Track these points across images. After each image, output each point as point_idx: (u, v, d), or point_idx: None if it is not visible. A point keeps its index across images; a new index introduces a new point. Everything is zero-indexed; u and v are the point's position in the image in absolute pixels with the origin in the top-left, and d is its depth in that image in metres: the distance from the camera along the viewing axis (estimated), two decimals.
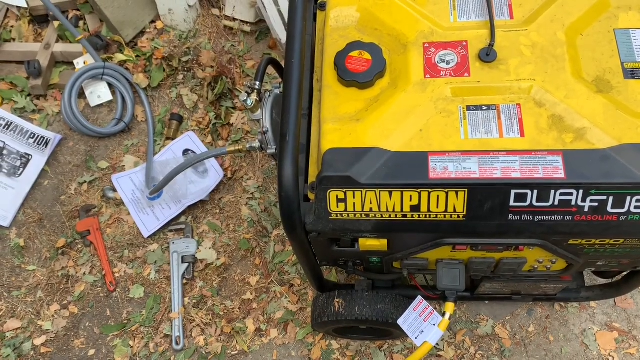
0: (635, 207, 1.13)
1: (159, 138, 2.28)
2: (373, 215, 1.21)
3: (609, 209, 1.14)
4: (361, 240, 1.31)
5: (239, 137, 2.25)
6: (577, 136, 1.16)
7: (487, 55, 1.25)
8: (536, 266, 1.44)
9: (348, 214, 1.22)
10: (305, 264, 1.52)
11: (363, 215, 1.22)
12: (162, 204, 2.13)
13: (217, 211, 2.15)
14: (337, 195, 1.19)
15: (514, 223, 1.19)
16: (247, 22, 2.44)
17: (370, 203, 1.19)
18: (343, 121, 1.24)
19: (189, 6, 2.36)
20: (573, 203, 1.14)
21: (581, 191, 1.13)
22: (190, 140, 2.25)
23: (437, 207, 1.18)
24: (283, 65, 1.69)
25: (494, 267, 1.42)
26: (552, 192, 1.14)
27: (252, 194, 2.16)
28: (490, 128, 1.19)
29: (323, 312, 1.66)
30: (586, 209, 1.15)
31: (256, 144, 1.56)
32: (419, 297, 1.44)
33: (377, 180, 1.16)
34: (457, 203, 1.17)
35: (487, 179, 1.14)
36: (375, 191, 1.17)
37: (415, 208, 1.19)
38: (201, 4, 2.45)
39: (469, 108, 1.21)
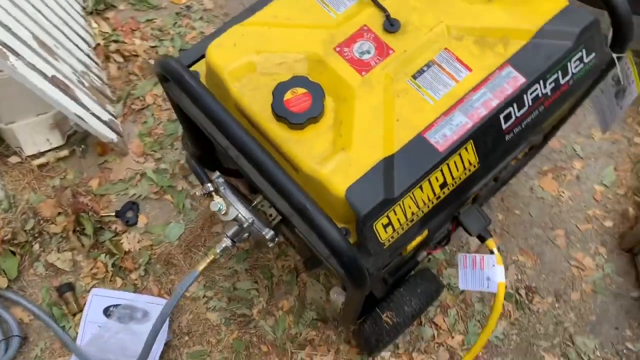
0: (575, 67, 1.31)
1: (65, 322, 1.87)
2: (416, 217, 1.19)
3: (561, 81, 1.30)
4: (409, 246, 1.29)
5: (146, 259, 1.96)
6: (505, 44, 1.27)
7: (392, 25, 1.28)
8: (513, 164, 1.59)
9: (397, 232, 1.18)
10: (356, 306, 1.45)
11: (409, 223, 1.19)
12: None
13: (187, 339, 1.88)
14: (382, 223, 1.14)
15: (510, 140, 1.28)
16: (58, 148, 2.08)
17: (410, 208, 1.17)
18: (331, 159, 1.16)
19: None
20: (540, 95, 1.27)
21: (541, 81, 1.26)
22: (100, 297, 1.89)
23: (457, 170, 1.21)
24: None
25: (493, 188, 1.52)
26: (524, 96, 1.25)
27: (204, 296, 1.93)
28: (444, 81, 1.23)
29: (379, 335, 1.61)
30: (549, 93, 1.29)
31: (227, 243, 1.38)
32: (460, 255, 1.48)
33: (406, 185, 1.14)
34: (469, 156, 1.21)
35: (480, 120, 1.20)
36: (409, 195, 1.15)
37: (443, 184, 1.20)
38: None
39: (414, 77, 1.24)
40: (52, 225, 1.96)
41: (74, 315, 1.90)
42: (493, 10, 1.30)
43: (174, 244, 2.00)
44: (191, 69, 1.38)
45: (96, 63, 2.25)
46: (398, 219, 1.16)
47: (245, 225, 1.27)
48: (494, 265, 1.43)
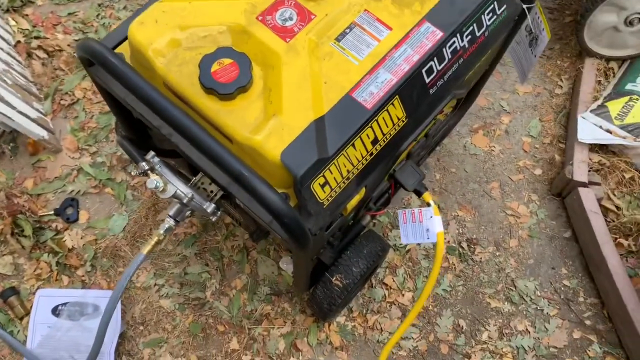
0: (489, 20, 1.37)
1: (12, 326, 1.82)
2: (352, 175, 1.23)
3: (477, 34, 1.36)
4: (348, 205, 1.33)
5: (92, 254, 1.93)
6: (421, 2, 1.32)
7: None
8: (442, 120, 1.65)
9: (334, 191, 1.21)
10: (304, 270, 1.48)
11: (345, 181, 1.23)
12: None
13: (142, 328, 1.87)
14: (319, 183, 1.17)
15: (435, 93, 1.33)
16: None
17: (345, 166, 1.20)
18: (263, 126, 1.18)
19: None
20: (459, 47, 1.33)
21: (458, 35, 1.31)
22: (47, 297, 1.84)
23: (387, 126, 1.25)
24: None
25: (424, 143, 1.58)
26: (444, 50, 1.30)
27: (155, 285, 1.92)
28: (367, 41, 1.27)
29: (332, 299, 1.65)
30: (466, 45, 1.34)
31: (170, 223, 1.38)
32: (400, 211, 1.54)
33: (338, 144, 1.17)
34: (397, 111, 1.26)
35: (403, 76, 1.24)
36: (343, 154, 1.18)
37: (374, 141, 1.24)
38: None
39: (338, 39, 1.27)
40: None
41: (21, 318, 1.85)
42: None
43: (118, 236, 1.97)
44: (115, 51, 1.37)
45: (18, 61, 2.17)
46: (334, 178, 1.20)
47: (185, 201, 1.27)
48: (431, 217, 1.50)
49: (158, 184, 1.22)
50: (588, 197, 1.93)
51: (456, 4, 1.31)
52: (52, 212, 1.97)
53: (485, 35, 1.38)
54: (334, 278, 1.64)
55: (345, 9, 1.30)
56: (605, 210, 1.98)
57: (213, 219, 1.33)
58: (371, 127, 1.22)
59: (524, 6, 1.44)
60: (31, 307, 1.84)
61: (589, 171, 1.99)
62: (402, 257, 2.00)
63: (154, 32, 1.27)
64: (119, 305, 1.84)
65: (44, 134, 1.96)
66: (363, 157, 1.23)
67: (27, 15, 2.34)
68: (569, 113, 2.23)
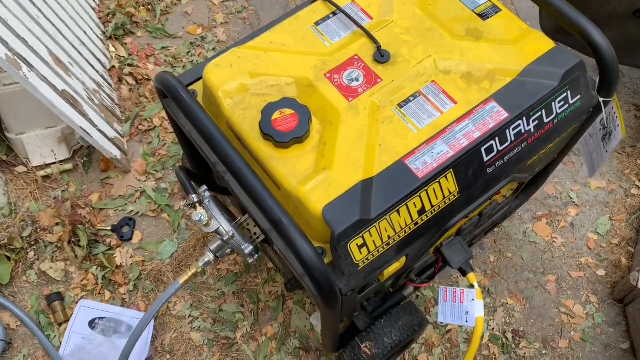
0: (560, 108, 1.34)
1: (50, 330, 1.89)
2: (392, 241, 1.21)
3: (545, 120, 1.32)
4: (385, 271, 1.30)
5: (137, 274, 1.99)
6: (491, 80, 1.31)
7: (382, 56, 1.33)
8: (500, 201, 1.60)
9: (372, 254, 1.19)
10: (333, 331, 1.44)
11: (385, 247, 1.20)
12: None
13: (168, 357, 1.88)
14: (357, 244, 1.16)
15: (492, 174, 1.30)
16: (63, 161, 2.15)
17: (386, 231, 1.19)
18: (311, 178, 1.20)
19: None
20: (523, 131, 1.30)
21: (524, 119, 1.29)
22: (88, 309, 1.91)
23: (437, 198, 1.23)
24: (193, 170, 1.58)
25: (478, 221, 1.53)
26: (507, 131, 1.27)
27: (190, 316, 1.94)
28: (429, 111, 1.27)
29: None
30: (532, 130, 1.31)
31: (209, 257, 1.41)
32: (441, 288, 1.48)
33: (383, 208, 1.16)
34: (449, 185, 1.24)
35: (461, 150, 1.23)
36: (386, 218, 1.17)
37: (421, 211, 1.22)
38: (0, 169, 2.08)
39: (400, 105, 1.28)
40: (48, 234, 2.00)
41: (60, 324, 1.92)
42: (481, 48, 1.35)
43: (165, 261, 2.03)
44: (190, 87, 1.45)
45: (109, 84, 2.35)
46: (373, 241, 1.18)
47: (225, 238, 1.29)
48: (473, 300, 1.43)
49: (202, 218, 1.25)
50: None
51: (526, 87, 1.29)
52: (110, 228, 2.06)
53: (554, 122, 1.34)
54: (364, 345, 1.58)
55: (412, 77, 1.31)
56: None
57: (250, 261, 1.34)
58: (419, 196, 1.20)
59: (601, 99, 1.40)
60: (71, 315, 1.91)
61: None
62: (441, 336, 1.91)
63: (227, 75, 1.34)
64: (150, 329, 1.87)
65: (117, 153, 2.09)
66: (407, 225, 1.21)
67: (126, 43, 2.54)
68: None
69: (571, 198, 2.18)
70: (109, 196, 2.14)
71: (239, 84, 1.33)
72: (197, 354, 1.89)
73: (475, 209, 1.36)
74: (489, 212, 1.52)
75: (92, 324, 1.90)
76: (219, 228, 1.29)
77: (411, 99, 1.29)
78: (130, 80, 2.40)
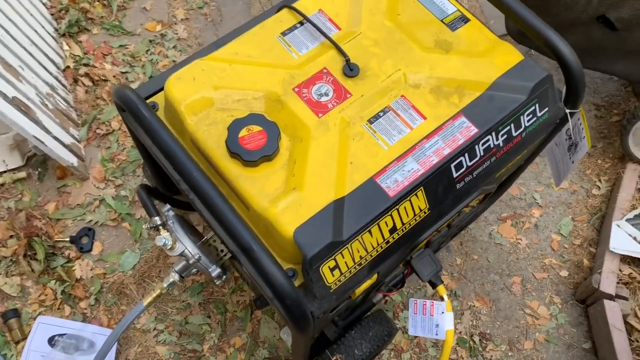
0: (528, 121, 1.33)
1: (7, 350, 1.80)
2: (364, 261, 1.19)
3: (514, 133, 1.32)
4: (357, 290, 1.28)
5: (98, 287, 1.91)
6: (460, 94, 1.30)
7: (351, 70, 1.30)
8: (467, 211, 1.61)
9: (344, 276, 1.17)
10: (303, 349, 1.42)
11: (357, 267, 1.18)
12: None
13: None
14: (329, 266, 1.13)
15: (461, 189, 1.29)
16: (16, 169, 2.04)
17: (358, 252, 1.16)
18: (281, 198, 1.16)
19: None
20: (492, 145, 1.29)
21: (493, 133, 1.28)
22: (46, 325, 1.83)
23: (407, 216, 1.21)
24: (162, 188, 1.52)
25: (446, 233, 1.53)
26: (476, 147, 1.27)
27: (154, 329, 1.88)
28: (399, 127, 1.25)
29: None
30: (501, 144, 1.31)
31: (174, 278, 1.36)
32: (411, 301, 1.48)
33: (354, 229, 1.14)
34: (420, 202, 1.22)
35: (431, 168, 1.21)
36: (358, 239, 1.15)
37: (393, 229, 1.20)
38: None
39: (370, 121, 1.26)
40: (2, 248, 1.91)
41: (17, 342, 1.83)
42: (450, 60, 1.33)
43: (127, 273, 1.96)
44: (151, 99, 1.38)
45: (64, 85, 2.23)
46: (345, 263, 1.16)
47: (191, 262, 1.25)
48: (443, 312, 1.43)
49: (167, 242, 1.20)
50: (613, 311, 1.82)
51: (495, 101, 1.29)
52: (68, 239, 1.97)
53: (522, 135, 1.34)
54: (334, 357, 1.57)
55: (381, 91, 1.29)
56: (630, 328, 1.86)
57: (217, 282, 1.30)
58: (391, 215, 1.18)
59: (567, 111, 1.41)
60: (29, 332, 1.82)
61: (618, 283, 1.89)
62: (410, 341, 1.92)
63: (189, 88, 1.28)
64: (114, 345, 1.81)
65: (73, 161, 1.99)
66: (379, 245, 1.19)
67: (80, 41, 2.43)
68: (604, 217, 2.14)
69: (535, 199, 2.21)
70: (67, 205, 2.05)
71: (203, 98, 1.27)
72: None
73: (444, 222, 1.36)
74: (457, 223, 1.52)
75: (51, 341, 1.82)
76: (184, 251, 1.24)
77: (381, 114, 1.27)
78: (86, 81, 2.29)
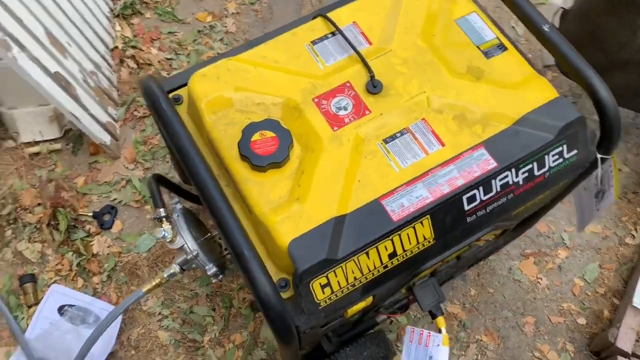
0: (553, 162, 1.28)
1: (19, 312, 1.88)
2: (358, 283, 1.17)
3: (536, 173, 1.27)
4: (350, 310, 1.26)
5: (112, 264, 1.97)
6: (484, 125, 1.26)
7: (375, 87, 1.28)
8: (481, 244, 1.55)
9: (336, 295, 1.15)
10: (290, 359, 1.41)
11: (350, 288, 1.16)
12: None
13: (133, 352, 1.86)
14: (320, 283, 1.12)
15: (472, 222, 1.25)
16: (53, 140, 2.12)
17: (353, 272, 1.14)
18: (284, 207, 1.16)
19: None
20: (511, 182, 1.24)
21: (513, 170, 1.23)
22: (59, 294, 1.89)
23: (410, 243, 1.18)
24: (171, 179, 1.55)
25: (455, 264, 1.49)
26: (493, 181, 1.22)
27: (159, 313, 1.91)
28: (414, 151, 1.22)
29: None
30: (521, 182, 1.26)
31: (175, 269, 1.38)
32: (408, 329, 1.44)
33: (351, 249, 1.12)
34: (425, 231, 1.19)
35: (440, 197, 1.18)
36: (353, 259, 1.12)
37: (392, 254, 1.17)
38: None
39: (386, 141, 1.23)
40: (28, 214, 1.98)
41: (30, 307, 1.90)
42: (479, 89, 1.29)
43: (142, 255, 2.00)
44: (177, 92, 1.40)
45: (109, 65, 2.30)
46: (338, 282, 1.14)
47: (189, 257, 1.26)
48: (438, 345, 1.39)
49: (166, 235, 1.22)
50: None
51: (520, 137, 1.24)
52: (91, 214, 2.04)
53: (545, 175, 1.28)
54: None
55: (403, 112, 1.26)
56: None
57: (213, 281, 1.31)
58: (392, 240, 1.15)
59: (598, 156, 1.34)
60: (42, 298, 1.89)
61: (637, 341, 1.78)
62: None
63: (212, 87, 1.29)
64: (118, 322, 1.85)
65: (107, 139, 2.05)
66: (375, 268, 1.17)
67: (132, 24, 2.49)
68: (634, 269, 2.03)
69: (563, 239, 2.12)
70: (95, 181, 2.11)
71: (224, 97, 1.28)
72: (162, 353, 1.87)
73: (451, 254, 1.31)
74: (468, 256, 1.48)
75: (61, 310, 1.88)
76: (183, 245, 1.26)
77: (398, 135, 1.24)
78: (131, 63, 2.36)
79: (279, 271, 1.20)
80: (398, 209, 1.16)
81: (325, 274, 1.11)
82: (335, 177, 1.19)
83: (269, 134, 1.21)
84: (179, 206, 1.33)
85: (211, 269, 1.27)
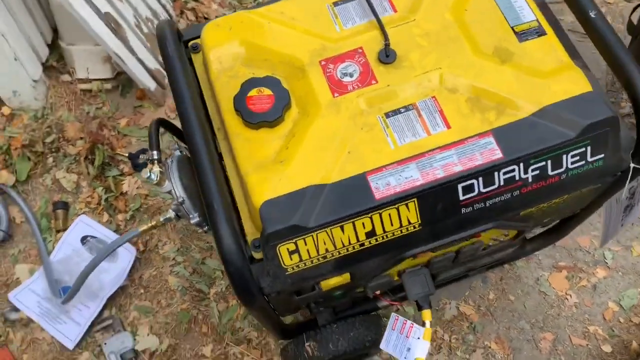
0: (572, 163, 1.15)
1: (48, 234, 2.00)
2: (330, 256, 1.12)
3: (550, 172, 1.14)
4: (323, 282, 1.22)
5: (137, 205, 2.04)
6: (499, 112, 1.14)
7: (387, 56, 1.20)
8: (490, 243, 1.44)
9: (304, 263, 1.11)
10: (267, 323, 1.40)
11: (320, 259, 1.12)
12: (78, 306, 1.87)
13: (142, 291, 1.93)
14: (287, 249, 1.08)
15: (468, 215, 1.15)
16: (105, 80, 2.22)
17: (325, 244, 1.10)
18: (266, 167, 1.12)
19: (34, 81, 2.09)
20: (517, 178, 1.13)
21: (522, 164, 1.12)
22: (85, 225, 2.00)
23: (392, 225, 1.11)
24: (175, 123, 1.57)
25: (454, 258, 1.39)
26: (496, 174, 1.11)
27: (173, 259, 1.97)
28: (415, 129, 1.14)
29: None
30: (530, 179, 1.14)
31: (171, 215, 1.40)
32: (394, 315, 1.38)
33: (324, 220, 1.07)
34: (410, 215, 1.11)
35: (432, 182, 1.09)
36: (326, 231, 1.08)
37: (371, 233, 1.11)
38: (47, 74, 2.18)
39: (387, 115, 1.16)
40: (70, 145, 2.09)
41: (58, 232, 2.02)
42: (502, 73, 1.17)
43: (167, 201, 2.06)
44: (197, 41, 1.40)
45: (170, 15, 2.35)
46: (308, 250, 1.09)
47: (174, 203, 1.27)
48: (419, 338, 1.32)
49: (152, 177, 1.23)
50: None
51: (537, 130, 1.11)
52: (127, 154, 2.11)
53: (561, 177, 1.15)
54: (308, 344, 1.52)
55: (411, 86, 1.17)
56: None
57: (199, 231, 1.31)
58: (370, 218, 1.09)
59: (632, 165, 1.18)
60: (69, 226, 2.00)
61: None
62: None
63: (223, 37, 1.27)
64: (131, 259, 1.93)
65: (151, 85, 2.11)
66: (350, 244, 1.11)
67: None
68: None
69: (605, 258, 1.93)
70: (137, 124, 2.19)
71: (233, 50, 1.26)
72: (168, 297, 1.93)
73: (444, 245, 1.22)
74: (470, 252, 1.37)
75: (84, 239, 1.98)
76: (171, 190, 1.26)
77: (402, 110, 1.16)
78: (190, 15, 2.39)
79: (256, 231, 1.17)
80: (383, 187, 1.09)
81: (293, 240, 1.07)
82: (325, 144, 1.13)
83: (267, 91, 1.18)
84: (177, 153, 1.34)
85: (194, 218, 1.27)
